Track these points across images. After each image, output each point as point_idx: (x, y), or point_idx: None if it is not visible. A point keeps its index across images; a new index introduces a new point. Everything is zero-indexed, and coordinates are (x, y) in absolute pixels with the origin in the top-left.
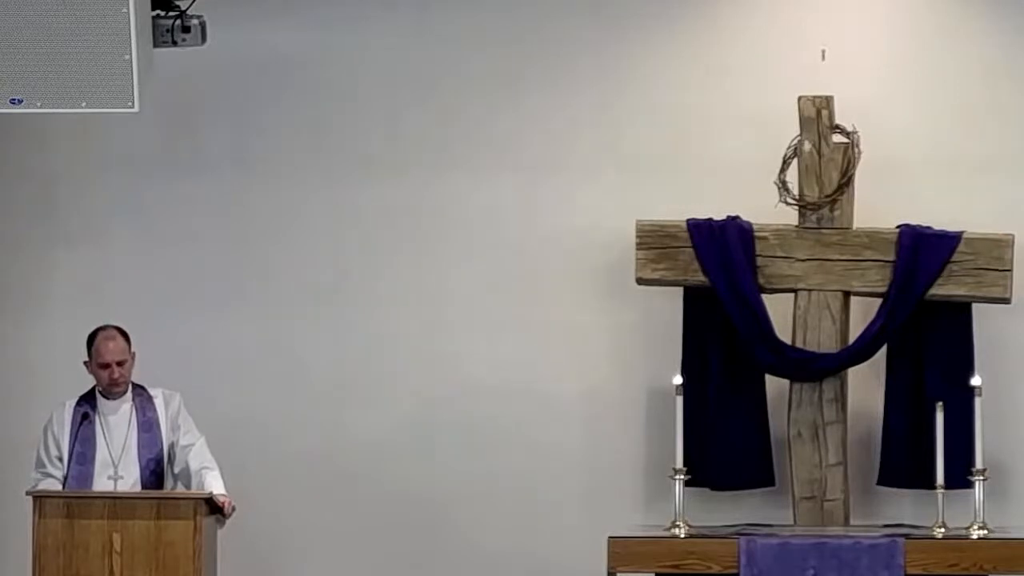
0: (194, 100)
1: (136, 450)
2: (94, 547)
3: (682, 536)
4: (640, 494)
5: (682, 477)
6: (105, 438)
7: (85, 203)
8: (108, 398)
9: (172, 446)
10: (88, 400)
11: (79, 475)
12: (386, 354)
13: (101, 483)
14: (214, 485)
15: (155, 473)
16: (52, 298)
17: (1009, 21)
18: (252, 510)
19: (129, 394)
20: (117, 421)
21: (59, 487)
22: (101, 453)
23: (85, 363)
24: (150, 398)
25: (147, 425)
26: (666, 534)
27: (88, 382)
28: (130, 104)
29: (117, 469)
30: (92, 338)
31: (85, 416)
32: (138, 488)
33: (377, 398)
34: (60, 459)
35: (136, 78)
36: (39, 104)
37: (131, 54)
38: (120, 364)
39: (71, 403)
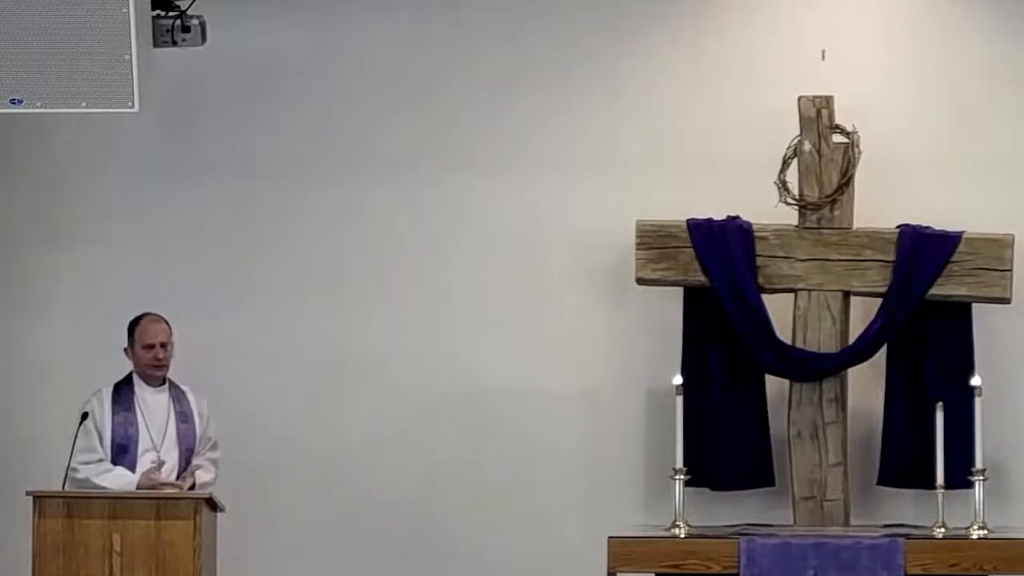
0: (194, 100)
1: (176, 438)
2: (94, 547)
3: (682, 536)
4: (640, 494)
5: (682, 477)
6: (146, 423)
7: (85, 203)
8: (147, 383)
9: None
10: (125, 386)
11: (122, 461)
12: (386, 354)
13: (144, 466)
14: (201, 475)
15: (189, 463)
16: (53, 298)
17: (1009, 21)
18: (252, 506)
19: (165, 385)
20: (157, 409)
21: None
22: (143, 438)
23: (125, 350)
24: (183, 392)
25: (183, 416)
26: (666, 534)
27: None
28: (130, 104)
29: (160, 453)
30: (135, 323)
31: (124, 402)
32: (175, 475)
33: (377, 397)
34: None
35: (136, 78)
36: (39, 104)
37: (131, 54)
38: (164, 346)
39: (107, 390)
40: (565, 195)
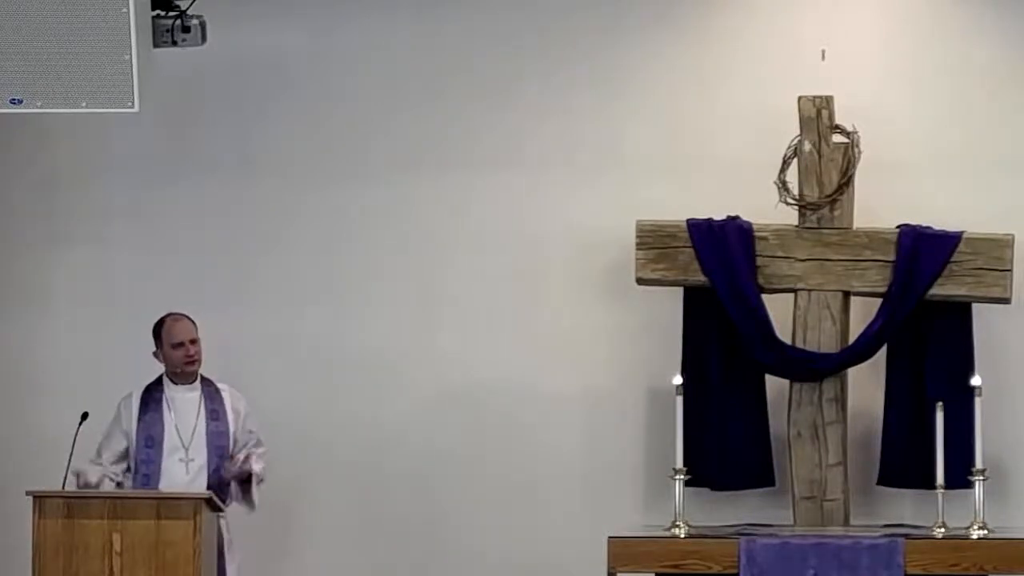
0: (194, 100)
1: (206, 437)
2: (94, 547)
3: (682, 536)
4: (640, 494)
5: (682, 477)
6: (174, 422)
7: (85, 203)
8: (176, 383)
9: (235, 439)
10: (156, 387)
11: (147, 458)
12: (386, 354)
13: (171, 465)
14: (255, 463)
15: (222, 463)
16: (52, 298)
17: (1009, 21)
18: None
19: (197, 383)
20: (186, 407)
21: (100, 473)
22: (170, 437)
23: (154, 353)
24: (217, 390)
25: (215, 414)
26: (666, 534)
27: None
28: (130, 104)
29: (188, 452)
30: (159, 325)
31: (153, 403)
32: (204, 474)
33: (376, 397)
34: (122, 451)
35: (136, 78)
36: (39, 104)
37: (131, 54)
38: (193, 342)
39: (138, 392)
40: (565, 195)
